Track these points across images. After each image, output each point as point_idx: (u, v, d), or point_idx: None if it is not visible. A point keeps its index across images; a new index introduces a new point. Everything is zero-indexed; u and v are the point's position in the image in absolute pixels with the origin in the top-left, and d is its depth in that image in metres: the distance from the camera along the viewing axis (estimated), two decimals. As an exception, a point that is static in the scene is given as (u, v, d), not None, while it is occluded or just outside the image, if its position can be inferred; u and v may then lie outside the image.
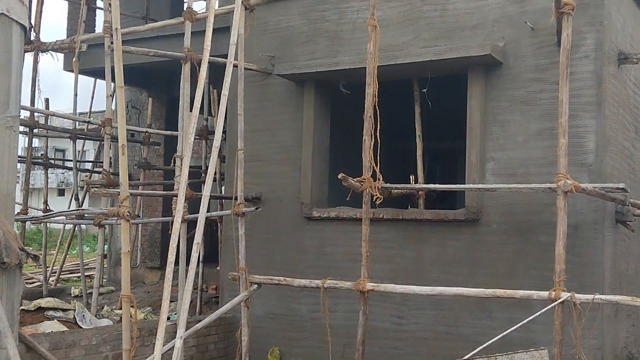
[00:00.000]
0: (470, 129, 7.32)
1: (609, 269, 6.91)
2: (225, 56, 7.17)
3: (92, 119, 13.69)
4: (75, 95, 10.24)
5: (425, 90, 7.75)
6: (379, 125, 6.68)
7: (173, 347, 5.79)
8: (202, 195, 6.63)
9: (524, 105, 7.10)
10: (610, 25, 6.96)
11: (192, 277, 5.78)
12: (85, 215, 8.70)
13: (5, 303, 5.68)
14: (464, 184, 7.29)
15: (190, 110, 7.08)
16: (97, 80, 13.05)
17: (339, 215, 7.98)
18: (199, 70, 6.87)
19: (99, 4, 12.47)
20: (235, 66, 7.27)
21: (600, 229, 6.70)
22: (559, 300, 5.55)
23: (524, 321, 5.65)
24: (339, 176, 6.48)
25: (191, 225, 7.94)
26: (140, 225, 11.59)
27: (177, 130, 8.16)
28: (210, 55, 6.75)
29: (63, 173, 39.69)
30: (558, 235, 5.71)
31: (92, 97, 13.15)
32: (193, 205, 7.70)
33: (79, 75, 10.74)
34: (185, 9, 7.89)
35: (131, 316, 5.78)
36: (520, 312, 6.43)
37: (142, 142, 10.70)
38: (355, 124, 7.26)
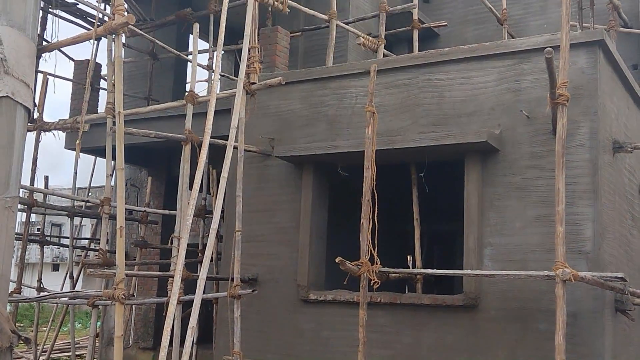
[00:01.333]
0: (468, 214, 7.34)
1: None
2: (226, 137, 7.28)
3: (90, 194, 13.76)
4: (75, 173, 10.32)
5: (422, 174, 7.82)
6: (376, 209, 6.73)
7: None
8: (198, 276, 6.59)
9: (520, 191, 7.15)
10: (604, 115, 7.09)
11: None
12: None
13: (-6, 389, 5.55)
14: (462, 266, 7.26)
15: (190, 189, 7.14)
16: (98, 157, 13.19)
17: (336, 298, 7.91)
18: (199, 152, 6.95)
19: (103, 84, 12.71)
20: (235, 148, 7.36)
21: (600, 318, 6.63)
22: (560, 392, 5.43)
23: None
24: (337, 260, 6.47)
25: (186, 304, 7.87)
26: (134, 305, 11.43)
27: (176, 210, 8.18)
28: (210, 137, 6.85)
29: (58, 248, 39.44)
30: (557, 324, 5.64)
31: (92, 174, 13.24)
32: (188, 284, 7.64)
33: (80, 153, 10.88)
34: (187, 91, 8.04)
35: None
36: (520, 403, 6.29)
37: (140, 221, 10.70)
38: (353, 206, 7.29)
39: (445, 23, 12.10)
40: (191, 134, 7.75)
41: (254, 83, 7.60)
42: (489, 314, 7.13)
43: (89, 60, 11.79)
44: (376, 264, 6.63)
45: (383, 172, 7.19)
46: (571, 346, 6.18)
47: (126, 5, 10.29)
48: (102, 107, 11.24)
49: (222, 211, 8.07)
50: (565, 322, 5.66)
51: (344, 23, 10.54)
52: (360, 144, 7.24)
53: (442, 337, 7.31)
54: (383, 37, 10.79)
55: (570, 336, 6.07)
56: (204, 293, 6.70)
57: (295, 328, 8.13)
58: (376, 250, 6.66)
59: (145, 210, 10.60)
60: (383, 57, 10.56)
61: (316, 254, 8.30)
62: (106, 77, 12.50)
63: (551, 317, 5.91)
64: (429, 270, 7.05)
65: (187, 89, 9.22)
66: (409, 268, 7.47)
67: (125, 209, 6.85)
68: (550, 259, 6.13)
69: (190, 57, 9.75)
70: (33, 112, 6.19)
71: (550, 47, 5.98)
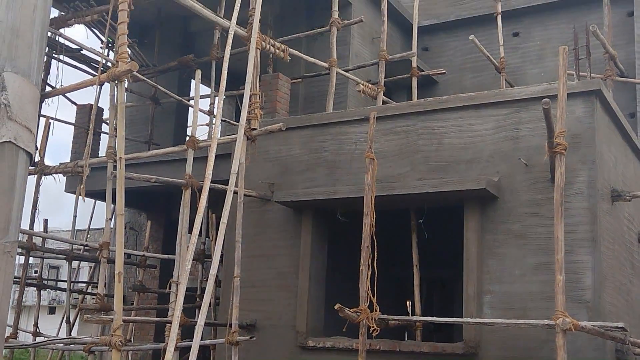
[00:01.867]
0: (467, 261, 7.33)
1: (612, 410, 6.71)
2: (226, 182, 7.32)
3: (89, 236, 13.72)
4: (75, 216, 10.32)
5: (421, 220, 7.84)
6: (376, 254, 6.73)
7: None
8: (195, 322, 6.55)
9: (520, 239, 7.15)
10: (602, 163, 7.14)
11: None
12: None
13: None
14: (462, 313, 7.22)
15: (189, 233, 7.15)
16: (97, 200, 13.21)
17: (335, 345, 7.83)
18: (199, 196, 6.98)
19: (104, 127, 12.82)
20: (235, 193, 7.39)
21: (601, 368, 6.57)
22: None
23: None
24: (336, 307, 6.44)
25: (184, 350, 7.80)
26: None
27: (174, 254, 8.16)
28: (210, 182, 6.89)
29: (55, 290, 39.13)
30: (558, 375, 5.59)
31: (91, 217, 13.23)
32: (186, 329, 7.59)
33: (80, 196, 10.91)
34: (189, 136, 8.11)
35: None
36: None
37: (139, 265, 10.66)
38: (353, 251, 7.27)
39: (444, 71, 12.27)
40: (191, 178, 7.79)
41: (254, 129, 7.68)
42: (489, 362, 7.06)
43: (91, 104, 11.93)
44: (375, 311, 6.59)
45: (382, 217, 7.20)
46: (572, 397, 6.10)
47: (129, 52, 10.43)
48: (103, 151, 11.31)
49: (221, 256, 8.08)
50: (566, 372, 5.61)
51: (344, 70, 10.68)
52: (359, 189, 7.27)
53: (441, 386, 7.22)
54: (382, 84, 10.93)
55: (571, 386, 6.00)
56: (201, 339, 6.66)
57: (293, 375, 8.03)
58: (375, 296, 6.63)
59: (144, 255, 10.57)
60: (382, 103, 10.68)
61: (315, 300, 8.26)
62: (108, 121, 12.64)
63: (552, 366, 5.86)
64: (429, 318, 7.01)
65: (189, 133, 9.30)
66: (408, 314, 7.44)
67: (124, 253, 6.85)
68: (550, 307, 6.10)
69: (192, 102, 9.87)
70: (34, 155, 6.24)
71: (547, 96, 6.08)
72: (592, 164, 6.96)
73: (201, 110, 10.69)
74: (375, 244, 6.73)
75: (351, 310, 6.58)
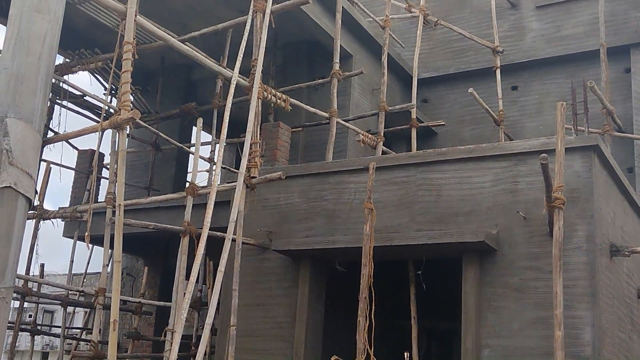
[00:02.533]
0: (466, 314, 7.27)
1: None
2: (224, 229, 7.31)
3: (86, 280, 13.62)
4: (72, 261, 10.27)
5: (419, 272, 7.80)
6: (374, 305, 6.68)
7: None
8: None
9: (518, 292, 7.11)
10: (600, 218, 7.15)
11: None
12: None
13: None
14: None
15: (187, 279, 7.12)
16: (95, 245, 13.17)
17: (332, 398, 7.71)
18: (197, 244, 6.97)
19: (105, 172, 12.87)
20: (233, 241, 7.38)
21: None
22: None
23: None
24: (332, 359, 6.36)
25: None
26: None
27: (170, 301, 8.10)
28: (209, 229, 6.89)
29: (49, 336, 38.65)
30: None
31: (88, 262, 13.15)
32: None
33: (78, 241, 10.89)
34: (188, 183, 8.13)
35: None
36: None
37: (134, 312, 10.57)
38: (350, 301, 7.23)
39: (443, 122, 12.38)
40: (190, 225, 7.78)
41: (254, 177, 7.71)
42: (487, 419, 6.95)
43: (93, 150, 12.01)
44: (372, 363, 6.52)
45: (381, 267, 7.17)
46: None
47: (132, 99, 10.55)
48: (102, 196, 11.33)
49: (218, 304, 8.02)
50: None
51: (344, 120, 10.78)
52: (358, 239, 7.26)
53: None
54: (382, 134, 11.01)
55: None
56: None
57: None
58: (372, 347, 6.56)
59: (140, 302, 10.49)
60: (382, 154, 10.74)
61: (312, 350, 8.16)
62: (108, 166, 12.71)
63: None
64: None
65: (188, 179, 9.33)
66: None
67: (120, 300, 6.81)
68: (549, 363, 6.03)
69: (192, 149, 9.92)
70: (34, 200, 6.26)
71: (546, 150, 6.12)
72: (591, 218, 6.97)
73: (202, 157, 10.76)
74: (374, 294, 6.69)
75: (348, 363, 6.51)
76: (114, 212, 8.33)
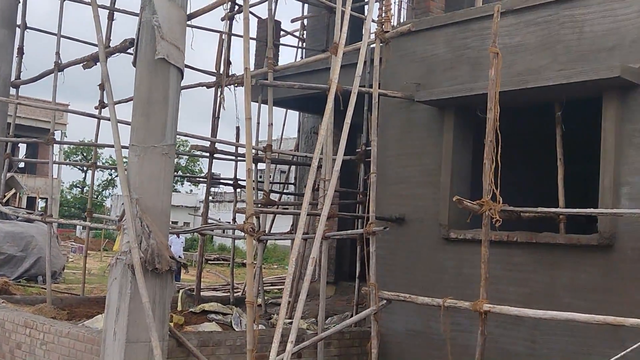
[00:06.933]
0: (604, 152, 7.15)
1: None
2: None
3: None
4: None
5: (559, 113, 7.69)
6: (499, 149, 6.83)
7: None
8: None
9: (660, 128, 6.80)
10: None
11: (306, 289, 6.40)
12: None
13: (157, 302, 6.75)
14: (597, 205, 7.12)
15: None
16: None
17: (475, 237, 8.11)
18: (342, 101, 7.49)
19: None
20: (380, 95, 7.79)
21: None
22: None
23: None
24: (454, 199, 6.75)
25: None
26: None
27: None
28: (344, 86, 7.41)
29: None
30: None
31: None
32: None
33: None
34: (332, 44, 8.59)
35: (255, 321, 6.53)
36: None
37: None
38: (504, 146, 7.28)
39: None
40: (334, 83, 8.31)
41: (387, 31, 7.96)
42: (624, 254, 6.97)
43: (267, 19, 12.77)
44: (498, 202, 6.77)
45: (524, 113, 7.14)
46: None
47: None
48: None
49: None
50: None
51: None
52: (502, 83, 7.25)
53: (576, 277, 7.29)
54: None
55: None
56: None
57: (438, 265, 8.52)
58: (499, 189, 6.78)
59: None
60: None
61: (458, 195, 8.52)
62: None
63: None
64: (557, 210, 7.02)
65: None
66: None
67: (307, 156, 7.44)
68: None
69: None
70: (183, 70, 7.17)
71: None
72: None
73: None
74: (500, 138, 6.80)
75: (473, 202, 6.83)
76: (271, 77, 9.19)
